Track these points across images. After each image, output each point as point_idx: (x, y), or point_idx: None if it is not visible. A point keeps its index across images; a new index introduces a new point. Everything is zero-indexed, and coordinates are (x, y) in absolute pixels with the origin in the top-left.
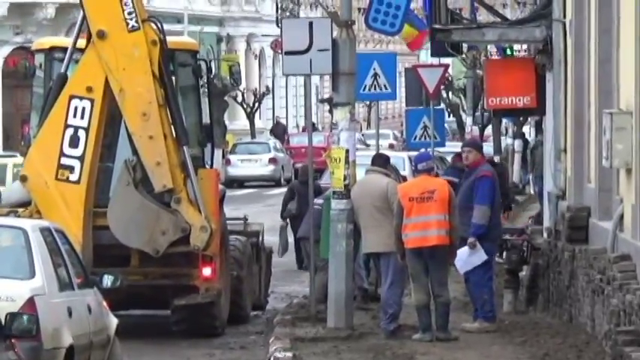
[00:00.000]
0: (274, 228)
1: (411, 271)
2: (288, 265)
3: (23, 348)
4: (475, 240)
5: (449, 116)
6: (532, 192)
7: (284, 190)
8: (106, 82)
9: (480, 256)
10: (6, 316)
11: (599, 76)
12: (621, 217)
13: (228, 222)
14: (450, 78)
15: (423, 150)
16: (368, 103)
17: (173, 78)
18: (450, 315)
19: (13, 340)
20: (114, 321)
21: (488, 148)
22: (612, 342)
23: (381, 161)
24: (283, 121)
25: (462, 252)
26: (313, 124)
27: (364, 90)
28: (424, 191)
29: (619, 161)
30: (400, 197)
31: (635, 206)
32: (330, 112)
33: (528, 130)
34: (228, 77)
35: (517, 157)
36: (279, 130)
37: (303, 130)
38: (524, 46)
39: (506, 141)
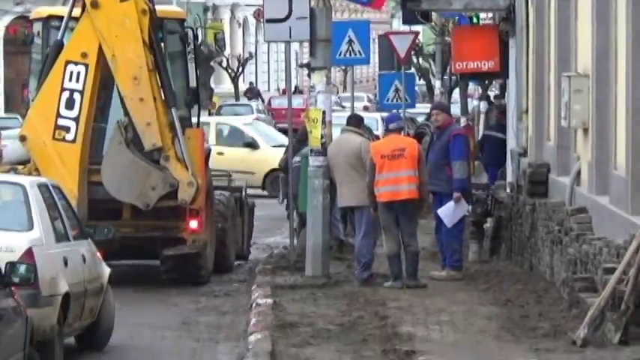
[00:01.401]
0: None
1: (383, 223)
2: (270, 217)
3: (22, 295)
4: (460, 195)
5: (419, 80)
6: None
7: None
8: (100, 48)
9: (464, 208)
10: (6, 266)
11: (559, 42)
12: (578, 172)
13: (213, 178)
14: (419, 44)
15: (394, 111)
16: (343, 67)
17: (162, 45)
18: (419, 264)
19: (12, 288)
20: (107, 270)
21: (455, 109)
22: (569, 288)
23: (355, 121)
24: (259, 86)
25: (448, 207)
26: (297, 87)
27: (340, 55)
28: (395, 149)
29: (576, 121)
30: (372, 155)
31: (591, 163)
32: (309, 76)
33: (494, 94)
34: (214, 44)
35: (482, 118)
36: (253, 93)
37: (284, 93)
38: (489, 14)
39: (472, 103)
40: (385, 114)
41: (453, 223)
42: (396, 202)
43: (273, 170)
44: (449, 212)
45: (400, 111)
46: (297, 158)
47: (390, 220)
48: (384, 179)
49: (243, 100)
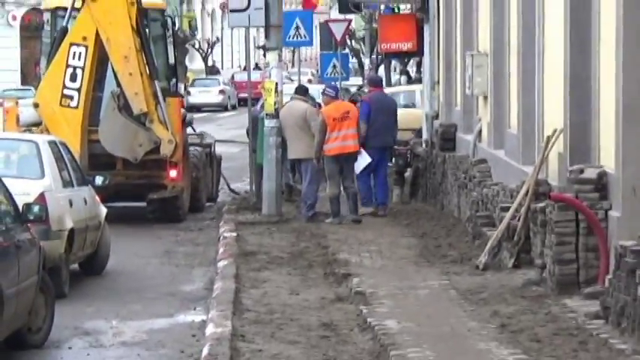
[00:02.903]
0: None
1: (330, 172)
2: (234, 168)
3: (36, 230)
4: (359, 149)
5: (352, 58)
6: None
7: (231, 113)
8: (97, 33)
9: (365, 159)
10: (23, 206)
11: (463, 27)
12: (480, 131)
13: (188, 136)
14: (352, 30)
15: (333, 83)
16: (292, 48)
17: (147, 30)
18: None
19: (28, 224)
20: (104, 210)
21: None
22: (473, 224)
23: (301, 91)
24: (218, 65)
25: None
26: (257, 64)
27: (289, 38)
28: (343, 112)
29: (478, 90)
30: (325, 117)
31: (489, 123)
32: (264, 55)
33: (412, 69)
34: (188, 30)
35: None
36: (213, 71)
37: (244, 69)
38: (408, 5)
39: (395, 76)
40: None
41: (359, 170)
42: (344, 155)
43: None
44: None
45: (337, 83)
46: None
47: (335, 170)
48: (335, 137)
49: (212, 75)
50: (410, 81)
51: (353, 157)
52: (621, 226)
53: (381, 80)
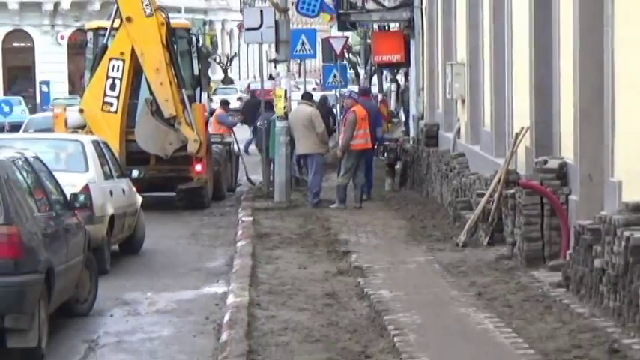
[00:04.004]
0: (242, 140)
1: (350, 165)
2: (250, 162)
3: (82, 216)
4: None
5: (349, 69)
6: (401, 119)
7: None
8: (132, 49)
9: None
10: (70, 196)
11: (444, 41)
12: (458, 130)
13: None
14: (350, 45)
15: (348, 90)
16: (298, 61)
17: (175, 46)
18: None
19: (75, 211)
20: (139, 199)
21: (374, 89)
22: (453, 208)
23: (307, 97)
24: (241, 75)
25: None
26: (270, 75)
27: (296, 52)
28: (365, 113)
29: (456, 95)
30: (357, 115)
31: (467, 123)
32: (275, 67)
33: (401, 77)
34: (210, 46)
35: (393, 95)
36: (227, 81)
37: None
38: (397, 24)
39: (386, 84)
40: (328, 92)
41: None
42: (365, 150)
43: None
44: None
45: (337, 90)
46: (265, 122)
47: (355, 164)
48: (362, 134)
49: (230, 85)
50: (399, 88)
51: (369, 152)
52: (579, 208)
53: (367, 89)
